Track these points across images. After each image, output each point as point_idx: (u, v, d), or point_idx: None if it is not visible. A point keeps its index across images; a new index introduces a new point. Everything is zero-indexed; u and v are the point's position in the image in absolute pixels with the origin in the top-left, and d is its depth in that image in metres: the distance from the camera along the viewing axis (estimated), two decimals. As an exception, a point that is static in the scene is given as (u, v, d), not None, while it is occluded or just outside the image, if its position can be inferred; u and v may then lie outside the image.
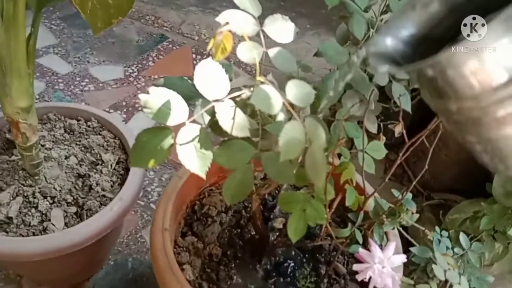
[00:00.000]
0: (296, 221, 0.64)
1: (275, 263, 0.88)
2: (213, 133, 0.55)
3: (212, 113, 0.49)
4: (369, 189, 0.88)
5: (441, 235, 0.79)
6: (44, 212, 0.87)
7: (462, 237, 0.82)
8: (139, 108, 1.55)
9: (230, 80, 0.51)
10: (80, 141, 1.01)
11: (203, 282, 0.83)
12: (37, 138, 0.86)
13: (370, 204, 0.76)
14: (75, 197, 0.91)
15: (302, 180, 0.64)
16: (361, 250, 0.70)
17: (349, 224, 0.75)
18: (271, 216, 0.95)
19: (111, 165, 0.98)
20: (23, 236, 0.83)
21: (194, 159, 0.48)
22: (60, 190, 0.91)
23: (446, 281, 0.74)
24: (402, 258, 0.71)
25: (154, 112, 0.46)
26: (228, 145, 0.52)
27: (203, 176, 0.49)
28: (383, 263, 0.69)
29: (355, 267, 0.70)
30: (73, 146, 0.99)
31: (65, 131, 1.03)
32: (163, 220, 0.81)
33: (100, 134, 1.03)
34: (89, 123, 1.05)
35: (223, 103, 0.47)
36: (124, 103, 1.55)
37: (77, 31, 1.82)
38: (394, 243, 0.72)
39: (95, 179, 0.94)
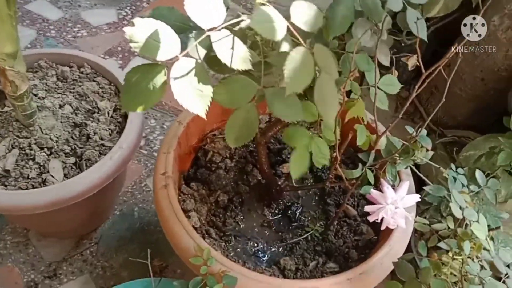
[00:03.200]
0: (298, 157, 0.59)
1: (282, 207, 0.85)
2: (210, 70, 0.49)
3: (208, 46, 0.44)
4: (380, 127, 0.84)
5: (457, 173, 0.75)
6: (42, 164, 0.83)
7: (479, 174, 0.78)
8: (136, 53, 1.49)
9: (227, 9, 0.45)
10: (74, 88, 0.96)
11: (210, 228, 0.80)
12: (28, 87, 0.81)
13: (382, 143, 0.72)
14: (73, 147, 0.87)
15: (312, 115, 0.59)
16: (373, 191, 0.67)
17: (359, 165, 0.71)
18: (278, 161, 0.92)
19: (108, 113, 0.93)
20: (22, 189, 0.80)
21: (192, 97, 0.43)
22: (56, 141, 0.87)
23: (461, 219, 0.71)
24: (416, 197, 0.68)
25: (141, 45, 0.41)
26: (228, 81, 0.47)
27: (203, 115, 0.44)
28: (396, 203, 0.66)
29: (367, 208, 0.66)
30: (67, 94, 0.94)
31: (58, 79, 0.97)
32: (165, 167, 0.77)
33: (94, 81, 0.98)
34: (82, 69, 0.99)
35: (219, 32, 0.41)
36: (119, 48, 1.48)
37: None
38: (408, 183, 0.68)
39: (92, 127, 0.90)
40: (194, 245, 0.67)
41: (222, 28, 0.42)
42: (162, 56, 0.42)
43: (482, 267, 0.60)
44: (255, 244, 0.80)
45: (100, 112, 0.93)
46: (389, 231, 0.75)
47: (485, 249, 0.62)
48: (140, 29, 0.41)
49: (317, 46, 0.41)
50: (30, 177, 0.82)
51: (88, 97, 0.95)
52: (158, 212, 0.75)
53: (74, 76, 0.98)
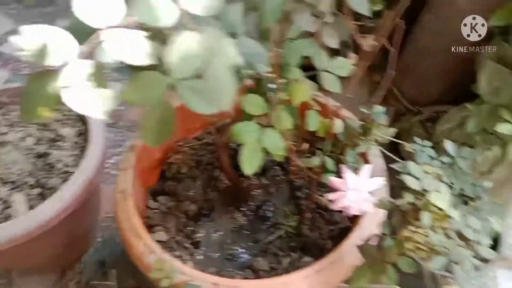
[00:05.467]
0: (250, 153, 0.57)
1: (253, 208, 0.83)
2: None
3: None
4: (346, 113, 0.81)
5: (422, 145, 0.72)
6: (5, 199, 0.82)
7: (449, 144, 0.75)
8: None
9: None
10: (35, 120, 0.95)
11: (180, 239, 0.78)
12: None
13: (338, 127, 0.69)
14: (37, 178, 0.86)
15: (258, 108, 0.58)
16: (332, 178, 0.64)
17: (319, 153, 0.68)
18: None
19: (71, 139, 0.92)
20: (-14, 226, 0.79)
21: (90, 102, 0.41)
22: (19, 174, 0.86)
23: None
24: (379, 180, 0.64)
25: (29, 53, 0.39)
26: (136, 78, 0.45)
27: (106, 117, 0.42)
28: (359, 188, 0.63)
29: (329, 196, 0.64)
30: (29, 126, 0.94)
31: (19, 113, 0.97)
32: (124, 184, 0.76)
33: (56, 109, 0.97)
34: (42, 100, 0.99)
35: (111, 30, 0.39)
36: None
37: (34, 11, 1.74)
38: (369, 166, 0.65)
39: (56, 156, 0.89)
40: (155, 259, 0.65)
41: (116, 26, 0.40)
42: (53, 60, 0.40)
43: (448, 236, 0.57)
44: (228, 250, 0.78)
45: (63, 140, 0.92)
46: (360, 216, 0.72)
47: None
48: (27, 36, 0.40)
49: (209, 30, 0.39)
50: (-6, 213, 0.81)
51: (50, 126, 0.94)
52: (120, 232, 0.73)
53: (34, 108, 0.97)
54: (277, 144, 0.60)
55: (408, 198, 0.60)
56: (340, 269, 0.66)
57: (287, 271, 0.73)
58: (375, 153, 0.78)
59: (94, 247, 1.06)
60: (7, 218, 0.81)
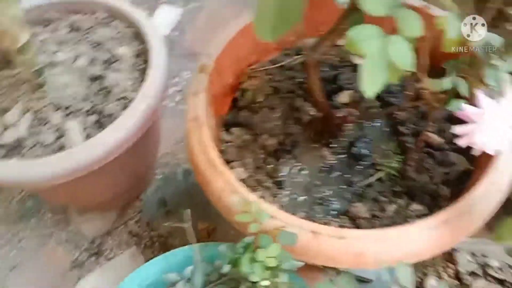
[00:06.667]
0: (371, 67, 0.43)
1: (346, 145, 0.69)
2: None
3: None
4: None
5: None
6: (58, 127, 0.72)
7: None
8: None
9: None
10: (88, 38, 0.83)
11: (261, 178, 0.66)
12: (29, 36, 0.69)
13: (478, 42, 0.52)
14: (93, 104, 0.75)
15: None
16: (466, 105, 0.49)
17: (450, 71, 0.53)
18: (333, 90, 0.75)
19: (128, 60, 0.80)
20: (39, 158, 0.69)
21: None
22: (73, 98, 0.75)
23: None
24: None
25: None
26: None
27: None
28: (497, 119, 0.48)
29: (456, 130, 0.49)
30: (81, 45, 0.82)
31: (71, 30, 0.85)
32: (195, 111, 0.63)
33: (110, 26, 0.85)
34: (96, 15, 0.86)
35: None
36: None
37: None
38: (513, 89, 0.50)
39: (112, 79, 0.77)
40: (239, 199, 0.53)
41: None
42: None
43: None
44: (317, 192, 0.65)
45: (120, 60, 0.80)
46: (489, 157, 0.57)
47: None
48: None
49: None
50: (46, 143, 0.71)
51: (105, 45, 0.82)
52: (193, 167, 0.61)
53: (87, 24, 0.85)
54: (406, 56, 0.45)
55: None
56: (469, 221, 0.53)
57: (393, 220, 0.60)
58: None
59: (155, 185, 0.97)
60: (61, 148, 0.71)
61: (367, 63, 0.43)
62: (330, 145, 0.69)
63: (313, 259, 0.51)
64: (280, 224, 0.52)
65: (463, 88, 0.52)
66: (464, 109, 0.49)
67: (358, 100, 0.73)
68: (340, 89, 0.74)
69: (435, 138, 0.66)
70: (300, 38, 0.80)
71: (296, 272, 0.50)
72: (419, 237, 0.52)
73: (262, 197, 0.63)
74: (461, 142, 0.49)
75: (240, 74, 0.76)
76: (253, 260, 0.48)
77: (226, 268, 0.51)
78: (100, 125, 0.73)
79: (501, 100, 0.49)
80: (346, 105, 0.73)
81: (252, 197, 0.54)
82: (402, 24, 0.45)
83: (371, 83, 0.44)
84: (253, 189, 0.64)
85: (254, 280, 0.47)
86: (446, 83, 0.51)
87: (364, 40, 0.44)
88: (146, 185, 0.97)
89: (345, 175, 0.67)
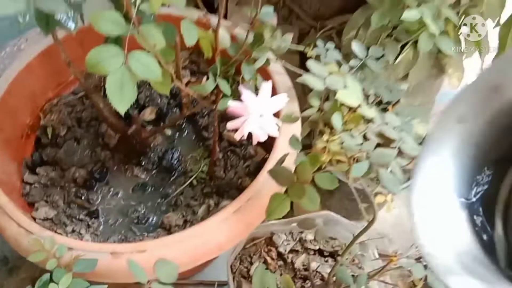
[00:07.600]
0: (117, 83, 0.44)
1: (156, 159, 0.71)
2: None
3: None
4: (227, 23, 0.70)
5: (326, 49, 0.63)
6: None
7: (356, 45, 0.67)
8: None
9: None
10: None
11: (73, 211, 0.65)
12: None
13: (224, 40, 0.57)
14: None
15: None
16: (232, 102, 0.53)
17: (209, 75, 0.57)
18: (139, 109, 0.76)
19: None
20: None
21: None
22: None
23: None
24: (282, 97, 0.54)
25: None
26: None
27: None
28: (262, 110, 0.53)
29: (229, 125, 0.53)
30: None
31: None
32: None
33: None
34: None
35: None
36: None
37: None
38: (268, 83, 0.55)
39: None
40: (29, 239, 0.52)
41: None
42: None
43: (365, 139, 0.49)
44: (133, 212, 0.66)
45: None
46: (273, 141, 0.63)
47: (370, 120, 0.51)
48: None
49: None
50: None
51: None
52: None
53: None
54: (150, 67, 0.47)
55: (314, 102, 0.51)
56: (260, 205, 0.57)
57: (203, 220, 0.63)
58: (277, 70, 0.69)
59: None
60: None
61: (111, 80, 0.45)
62: (141, 164, 0.70)
63: (116, 279, 0.52)
64: (78, 253, 0.51)
65: (224, 87, 0.56)
66: (229, 105, 0.53)
67: (163, 114, 0.75)
68: (144, 107, 0.76)
69: (233, 135, 0.71)
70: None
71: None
72: (217, 230, 0.55)
73: (74, 231, 0.62)
74: (236, 136, 0.53)
75: (39, 113, 0.74)
76: (48, 297, 0.47)
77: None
78: None
79: (260, 91, 0.54)
80: (152, 121, 0.75)
81: (48, 233, 0.53)
82: (141, 40, 0.47)
83: (120, 100, 0.45)
84: (63, 225, 0.62)
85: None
86: (208, 86, 0.55)
87: (104, 60, 0.45)
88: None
89: (160, 189, 0.69)
